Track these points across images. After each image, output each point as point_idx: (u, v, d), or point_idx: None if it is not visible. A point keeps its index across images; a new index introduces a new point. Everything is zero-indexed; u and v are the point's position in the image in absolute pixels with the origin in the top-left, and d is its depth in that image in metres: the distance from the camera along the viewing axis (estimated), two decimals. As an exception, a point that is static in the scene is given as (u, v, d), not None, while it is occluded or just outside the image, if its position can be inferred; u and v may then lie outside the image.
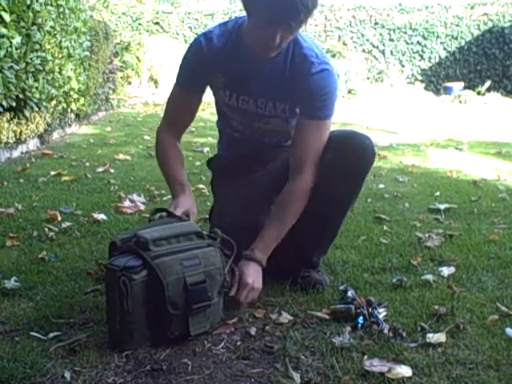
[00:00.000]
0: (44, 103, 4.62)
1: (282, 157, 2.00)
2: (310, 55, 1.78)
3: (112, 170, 4.04)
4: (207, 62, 1.82)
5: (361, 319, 1.61)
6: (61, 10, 4.91)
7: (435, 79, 14.41)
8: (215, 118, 2.10)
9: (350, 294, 1.76)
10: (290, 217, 1.81)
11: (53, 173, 3.78)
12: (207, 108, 6.79)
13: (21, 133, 4.43)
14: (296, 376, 1.33)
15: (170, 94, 1.97)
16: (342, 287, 1.86)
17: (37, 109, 4.52)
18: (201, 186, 3.52)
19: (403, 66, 14.55)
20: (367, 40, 14.76)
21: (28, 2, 3.96)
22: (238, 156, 2.04)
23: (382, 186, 3.68)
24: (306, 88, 1.77)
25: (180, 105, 1.93)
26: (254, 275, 1.71)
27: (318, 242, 1.93)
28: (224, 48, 1.81)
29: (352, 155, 1.75)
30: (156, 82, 12.62)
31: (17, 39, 3.75)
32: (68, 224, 2.60)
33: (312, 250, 1.92)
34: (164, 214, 1.74)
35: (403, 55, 14.59)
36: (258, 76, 1.82)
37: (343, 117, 7.51)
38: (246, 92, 1.86)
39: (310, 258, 1.92)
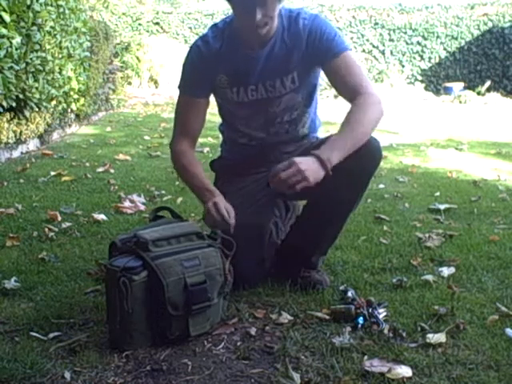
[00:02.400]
0: (44, 103, 4.62)
1: (285, 158, 2.00)
2: (299, 15, 1.88)
3: (112, 170, 4.04)
4: (210, 64, 1.86)
5: (361, 319, 1.61)
6: (61, 10, 4.90)
7: (435, 79, 14.38)
8: (215, 118, 2.10)
9: (350, 294, 1.76)
10: (360, 124, 1.77)
11: (53, 173, 3.79)
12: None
13: (21, 133, 4.44)
14: (296, 376, 1.33)
15: (176, 106, 1.97)
16: (342, 287, 1.86)
17: (37, 109, 4.52)
18: (201, 186, 3.52)
19: (403, 66, 14.52)
20: (367, 40, 14.73)
21: (28, 2, 3.96)
22: (242, 158, 2.04)
23: (382, 186, 3.68)
24: (311, 36, 1.85)
25: (190, 113, 1.93)
26: (305, 162, 1.62)
27: (319, 242, 1.93)
28: (221, 48, 1.87)
29: (360, 156, 1.73)
30: (156, 83, 12.61)
31: (17, 39, 3.75)
32: (68, 224, 2.60)
33: (312, 249, 1.93)
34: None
35: (403, 55, 14.57)
36: (259, 62, 1.86)
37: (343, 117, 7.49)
38: (252, 81, 1.88)
39: (309, 257, 1.92)
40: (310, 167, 1.61)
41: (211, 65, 1.87)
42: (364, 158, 1.75)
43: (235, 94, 1.90)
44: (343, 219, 1.89)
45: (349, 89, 1.85)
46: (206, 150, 4.98)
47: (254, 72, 1.87)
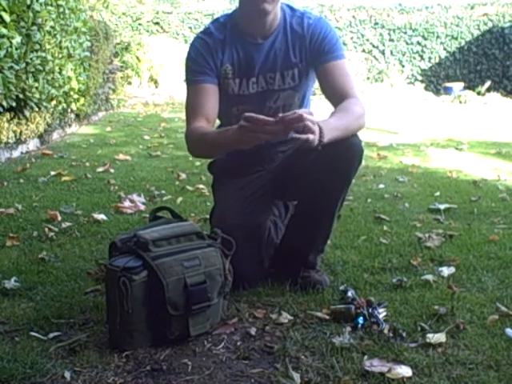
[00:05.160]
0: (44, 103, 4.62)
1: (280, 157, 2.01)
2: (303, 15, 1.95)
3: (112, 170, 4.04)
4: (215, 52, 1.90)
5: (361, 319, 1.61)
6: (61, 10, 4.91)
7: (435, 79, 14.39)
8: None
9: (350, 294, 1.76)
10: (352, 115, 1.77)
11: (53, 173, 3.79)
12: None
13: (21, 133, 4.44)
14: (296, 376, 1.33)
15: (186, 99, 1.93)
16: (342, 287, 1.86)
17: (37, 109, 4.53)
18: (201, 186, 3.52)
19: (403, 66, 14.53)
20: (367, 40, 14.74)
21: (28, 2, 3.96)
22: (239, 158, 2.04)
23: (381, 186, 3.68)
24: (315, 36, 1.90)
25: (200, 98, 1.88)
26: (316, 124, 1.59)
27: (313, 240, 1.93)
28: (225, 39, 1.91)
29: (341, 152, 1.73)
30: (156, 82, 12.62)
31: (17, 39, 3.75)
32: (68, 224, 2.60)
33: (307, 248, 1.93)
34: None
35: (403, 55, 14.57)
36: (261, 52, 1.91)
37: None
38: (254, 73, 1.92)
39: (305, 256, 1.92)
40: (317, 130, 1.59)
41: (216, 54, 1.90)
42: (347, 154, 1.76)
43: (237, 85, 1.92)
44: (332, 215, 1.88)
45: (339, 92, 1.87)
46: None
47: (257, 62, 1.91)
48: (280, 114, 1.53)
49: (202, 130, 1.82)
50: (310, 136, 1.54)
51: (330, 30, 1.93)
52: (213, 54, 1.89)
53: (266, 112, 1.95)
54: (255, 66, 1.91)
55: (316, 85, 2.07)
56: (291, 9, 1.96)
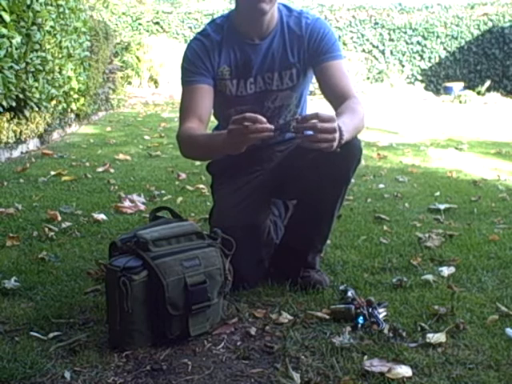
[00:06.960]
0: (44, 103, 4.62)
1: (279, 156, 2.01)
2: (301, 15, 1.95)
3: (112, 170, 4.04)
4: (212, 54, 1.89)
5: (361, 319, 1.61)
6: (61, 9, 4.91)
7: (435, 79, 14.38)
8: (212, 118, 2.09)
9: (350, 294, 1.76)
10: (358, 115, 1.75)
11: (53, 173, 3.79)
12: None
13: (21, 133, 4.44)
14: (296, 376, 1.33)
15: (181, 100, 1.93)
16: (341, 287, 1.86)
17: (37, 109, 4.53)
18: (201, 185, 3.52)
19: (403, 66, 14.53)
20: (367, 40, 14.73)
21: (28, 2, 3.96)
22: (237, 158, 2.04)
23: (381, 185, 3.68)
24: (313, 36, 1.90)
25: (194, 98, 1.88)
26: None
27: (312, 241, 1.93)
28: (222, 40, 1.90)
29: (340, 152, 1.71)
30: (156, 82, 12.62)
31: (17, 39, 3.75)
32: (68, 224, 2.60)
33: (307, 248, 1.93)
34: None
35: (403, 55, 14.57)
36: (259, 53, 1.90)
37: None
38: (252, 73, 1.91)
39: (305, 256, 1.92)
40: (336, 134, 1.52)
41: (213, 55, 1.89)
42: (346, 154, 1.72)
43: (235, 86, 1.92)
44: (331, 215, 1.88)
45: (339, 92, 1.87)
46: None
47: (254, 63, 1.90)
48: (298, 116, 1.54)
49: (193, 132, 1.82)
50: (323, 145, 1.50)
51: (329, 31, 1.93)
52: (209, 56, 1.89)
53: (265, 112, 1.95)
54: (253, 67, 1.91)
55: (316, 85, 2.08)
56: (288, 9, 1.95)
